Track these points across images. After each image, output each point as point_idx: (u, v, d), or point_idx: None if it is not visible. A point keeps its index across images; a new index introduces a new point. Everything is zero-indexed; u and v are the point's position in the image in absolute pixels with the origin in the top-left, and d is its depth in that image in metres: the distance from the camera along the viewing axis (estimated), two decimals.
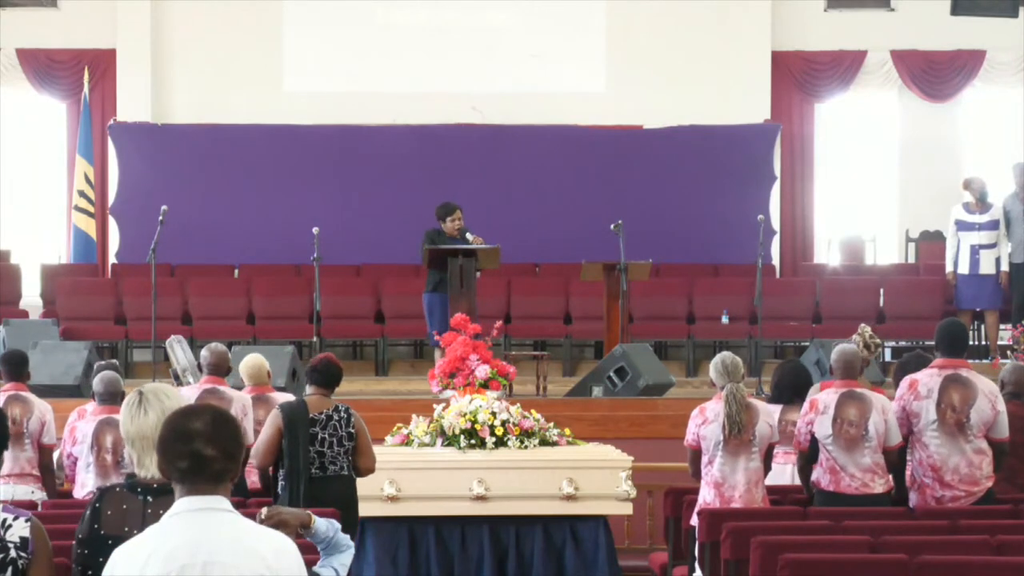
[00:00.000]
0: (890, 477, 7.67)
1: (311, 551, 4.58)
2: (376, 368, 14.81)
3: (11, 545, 3.94)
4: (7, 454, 4.73)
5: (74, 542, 4.24)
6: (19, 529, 3.97)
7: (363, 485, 7.85)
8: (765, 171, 16.68)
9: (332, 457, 7.56)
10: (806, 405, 7.78)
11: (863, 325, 8.60)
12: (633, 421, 11.25)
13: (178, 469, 3.49)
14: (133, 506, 4.20)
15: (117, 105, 16.67)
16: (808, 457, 7.72)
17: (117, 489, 4.32)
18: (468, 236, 12.19)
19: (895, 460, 7.67)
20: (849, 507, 7.38)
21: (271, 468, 7.79)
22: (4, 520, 3.97)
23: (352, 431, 7.62)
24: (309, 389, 7.78)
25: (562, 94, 16.72)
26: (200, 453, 3.48)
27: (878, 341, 8.52)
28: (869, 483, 7.57)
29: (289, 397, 8.75)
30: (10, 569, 3.92)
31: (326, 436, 7.56)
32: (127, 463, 8.11)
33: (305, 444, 7.53)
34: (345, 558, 4.58)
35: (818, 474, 7.67)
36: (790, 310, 14.81)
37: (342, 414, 7.63)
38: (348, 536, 4.66)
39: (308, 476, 7.51)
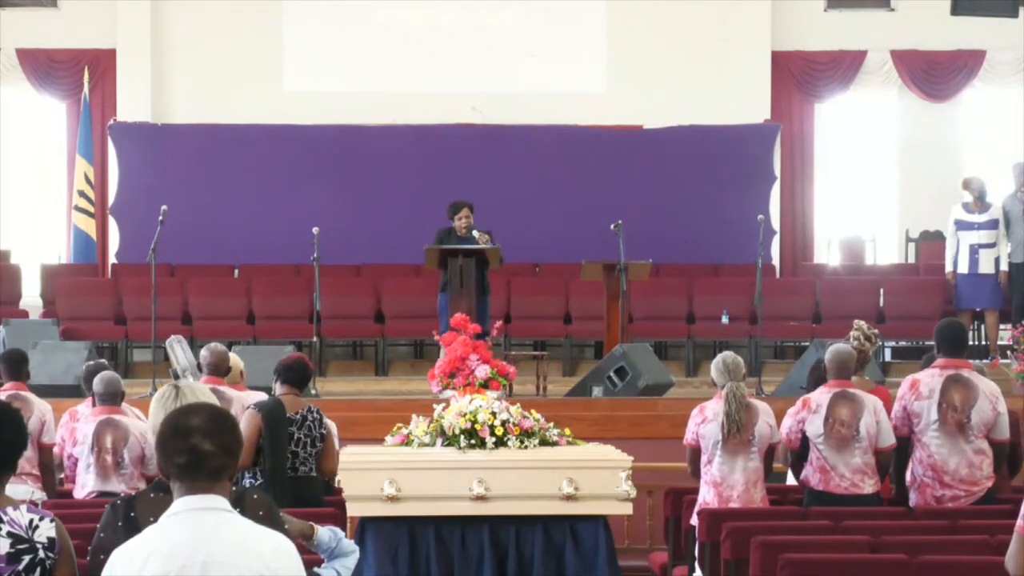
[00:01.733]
0: (879, 479, 7.67)
1: (313, 551, 4.58)
2: (376, 368, 14.80)
3: (40, 546, 3.93)
4: None
5: (101, 554, 3.95)
6: (46, 529, 3.96)
7: (363, 485, 7.84)
8: (765, 171, 16.67)
9: (304, 458, 7.51)
10: (798, 403, 7.79)
11: (858, 321, 8.58)
12: (633, 421, 11.24)
13: (176, 465, 3.48)
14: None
15: (117, 105, 16.66)
16: (799, 455, 7.73)
17: (151, 495, 4.19)
18: (475, 234, 12.18)
19: (887, 461, 7.67)
20: (837, 507, 7.38)
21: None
22: (31, 521, 3.96)
23: (324, 432, 7.59)
24: (281, 388, 7.67)
25: (562, 94, 16.71)
26: (198, 448, 3.47)
27: (876, 332, 8.50)
28: (859, 483, 7.57)
29: (255, 396, 8.63)
30: (38, 570, 3.91)
31: (301, 436, 7.52)
32: (127, 463, 8.12)
33: (284, 443, 7.47)
34: (349, 561, 4.56)
35: (807, 473, 7.67)
36: (790, 310, 14.80)
37: (315, 415, 7.60)
38: (352, 541, 4.65)
39: (285, 476, 7.45)
